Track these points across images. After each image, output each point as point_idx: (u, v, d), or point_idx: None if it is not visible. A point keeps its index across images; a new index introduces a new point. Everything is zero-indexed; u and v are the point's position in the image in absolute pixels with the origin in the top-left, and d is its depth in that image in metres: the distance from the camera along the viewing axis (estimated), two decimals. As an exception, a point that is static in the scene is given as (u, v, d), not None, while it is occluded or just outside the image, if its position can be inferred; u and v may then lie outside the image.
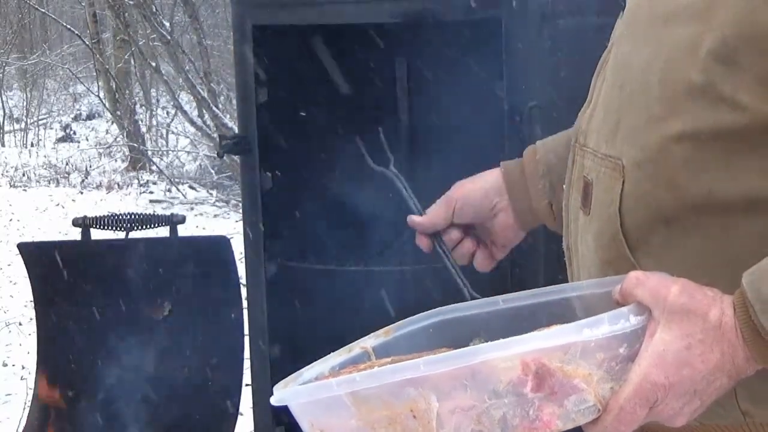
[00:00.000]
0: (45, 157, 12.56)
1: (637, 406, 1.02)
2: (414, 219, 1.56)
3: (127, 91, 12.16)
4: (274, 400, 1.06)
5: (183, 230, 3.12)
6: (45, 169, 11.81)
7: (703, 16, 1.04)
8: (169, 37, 8.57)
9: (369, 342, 1.20)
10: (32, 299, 3.11)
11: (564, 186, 1.32)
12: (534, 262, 2.54)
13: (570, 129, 1.46)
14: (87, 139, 14.05)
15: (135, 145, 11.16)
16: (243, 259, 2.80)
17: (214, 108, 8.37)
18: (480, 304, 1.19)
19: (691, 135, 1.05)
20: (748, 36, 1.01)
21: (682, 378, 1.02)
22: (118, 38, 11.96)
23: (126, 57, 11.91)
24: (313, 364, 1.15)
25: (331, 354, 1.19)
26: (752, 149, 1.04)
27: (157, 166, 10.64)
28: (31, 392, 3.15)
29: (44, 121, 15.27)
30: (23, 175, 11.39)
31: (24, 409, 4.08)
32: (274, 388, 1.07)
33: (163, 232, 3.13)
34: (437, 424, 1.00)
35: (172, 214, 3.07)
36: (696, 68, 1.04)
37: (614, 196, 1.13)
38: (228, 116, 8.45)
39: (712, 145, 1.05)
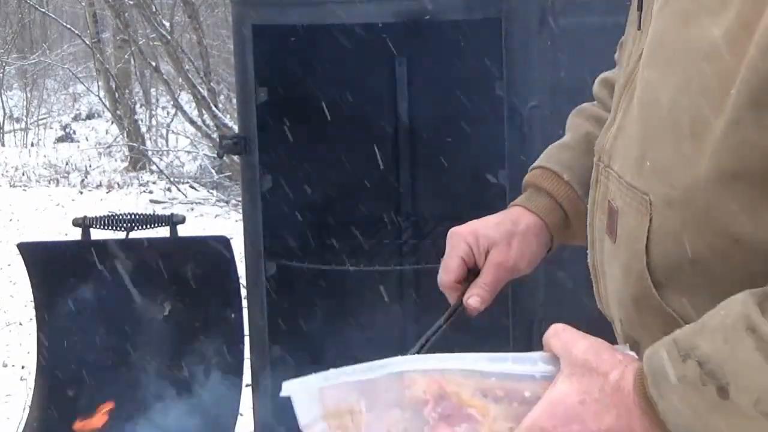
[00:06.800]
0: (45, 156, 12.54)
1: None
2: (476, 306, 1.36)
3: (127, 91, 12.15)
4: (282, 393, 1.13)
5: (183, 230, 3.12)
6: (45, 168, 11.79)
7: (734, 53, 1.00)
8: (168, 37, 8.57)
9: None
10: (32, 299, 3.11)
11: (588, 205, 1.30)
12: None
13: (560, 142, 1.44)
14: (87, 139, 14.03)
15: (135, 145, 11.15)
16: (243, 259, 2.80)
17: (214, 108, 8.37)
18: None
19: (718, 177, 1.02)
20: None
21: (571, 431, 1.03)
22: (118, 38, 11.94)
23: (126, 57, 11.91)
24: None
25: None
26: None
27: (157, 166, 10.63)
28: (31, 392, 3.15)
29: (44, 121, 15.26)
30: (23, 174, 11.38)
31: (24, 409, 4.08)
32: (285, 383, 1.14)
33: (163, 232, 3.13)
34: (365, 429, 1.07)
35: (172, 214, 3.07)
36: (725, 107, 1.01)
37: (641, 232, 1.11)
38: (228, 116, 8.45)
39: (737, 189, 1.02)
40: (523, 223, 1.38)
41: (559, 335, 1.09)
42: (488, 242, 1.36)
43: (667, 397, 0.99)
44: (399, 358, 1.08)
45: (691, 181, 1.05)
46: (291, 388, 1.12)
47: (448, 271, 1.37)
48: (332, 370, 1.10)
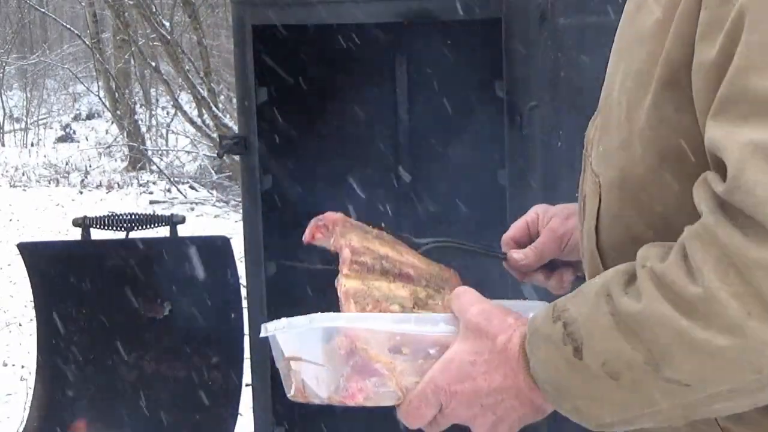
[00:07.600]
0: (45, 156, 12.56)
1: (423, 403, 1.13)
2: (517, 258, 1.39)
3: (127, 91, 12.16)
4: (261, 333, 1.24)
5: (183, 230, 3.12)
6: (45, 168, 11.81)
7: (658, 38, 1.05)
8: (168, 37, 8.57)
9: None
10: (32, 299, 3.11)
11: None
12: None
13: None
14: (87, 139, 14.05)
15: (135, 144, 11.16)
16: (243, 259, 2.80)
17: (214, 108, 8.37)
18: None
19: (647, 158, 1.07)
20: (688, 59, 1.02)
21: (464, 389, 1.11)
22: (118, 38, 11.94)
23: (126, 57, 11.91)
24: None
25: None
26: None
27: (157, 166, 10.64)
28: (31, 392, 3.15)
29: (44, 121, 15.28)
30: (23, 174, 11.39)
31: (24, 409, 4.08)
32: (263, 324, 1.24)
33: (163, 232, 3.13)
34: (305, 376, 1.17)
35: (172, 214, 3.07)
36: (650, 90, 1.06)
37: (593, 214, 1.17)
38: (228, 116, 8.45)
39: (663, 169, 1.06)
40: None
41: (459, 298, 1.17)
42: (551, 214, 1.42)
43: (536, 354, 1.07)
44: (325, 315, 1.19)
45: (627, 162, 1.10)
46: (267, 329, 1.22)
47: (510, 228, 1.44)
48: (283, 319, 1.20)
